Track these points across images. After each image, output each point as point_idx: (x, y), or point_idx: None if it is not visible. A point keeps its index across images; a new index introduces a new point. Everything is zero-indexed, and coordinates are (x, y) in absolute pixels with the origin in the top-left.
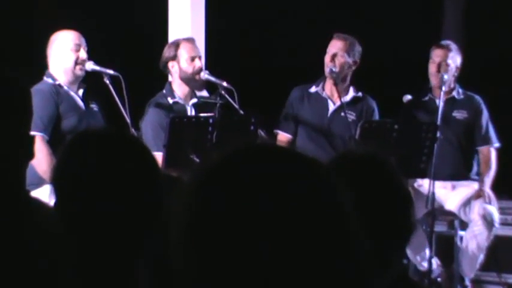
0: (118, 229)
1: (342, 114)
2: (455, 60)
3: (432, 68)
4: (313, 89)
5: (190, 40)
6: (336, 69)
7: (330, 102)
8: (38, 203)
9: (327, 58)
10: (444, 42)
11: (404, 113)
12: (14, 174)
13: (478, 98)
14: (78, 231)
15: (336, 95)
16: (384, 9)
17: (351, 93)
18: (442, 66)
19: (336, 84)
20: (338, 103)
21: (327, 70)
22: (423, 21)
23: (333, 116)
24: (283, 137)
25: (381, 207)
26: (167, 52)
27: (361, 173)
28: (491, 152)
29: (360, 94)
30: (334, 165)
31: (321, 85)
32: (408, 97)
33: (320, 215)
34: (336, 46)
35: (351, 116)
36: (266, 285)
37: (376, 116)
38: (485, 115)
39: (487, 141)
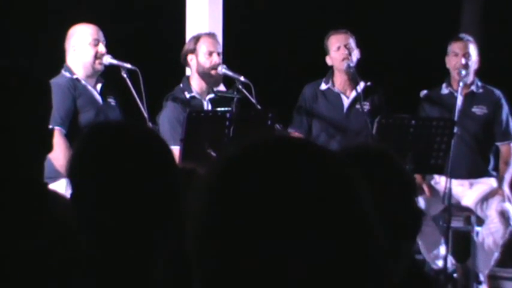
0: (133, 223)
1: (357, 106)
2: (475, 53)
3: (454, 61)
4: (323, 86)
5: (211, 35)
6: (353, 64)
7: (343, 97)
8: (56, 196)
9: (342, 54)
10: (462, 35)
11: (421, 107)
12: (33, 166)
13: (497, 92)
14: (93, 225)
15: (348, 89)
16: (403, 5)
17: (361, 84)
18: (466, 58)
19: (350, 78)
20: (351, 97)
21: (343, 65)
22: (442, 17)
23: (349, 110)
24: (296, 135)
25: (382, 195)
26: (187, 45)
27: (361, 164)
28: None
29: (369, 84)
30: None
31: (330, 81)
32: (425, 92)
33: (330, 195)
34: (346, 41)
35: (366, 107)
36: (285, 275)
37: (383, 99)
38: (505, 109)
39: (507, 136)
